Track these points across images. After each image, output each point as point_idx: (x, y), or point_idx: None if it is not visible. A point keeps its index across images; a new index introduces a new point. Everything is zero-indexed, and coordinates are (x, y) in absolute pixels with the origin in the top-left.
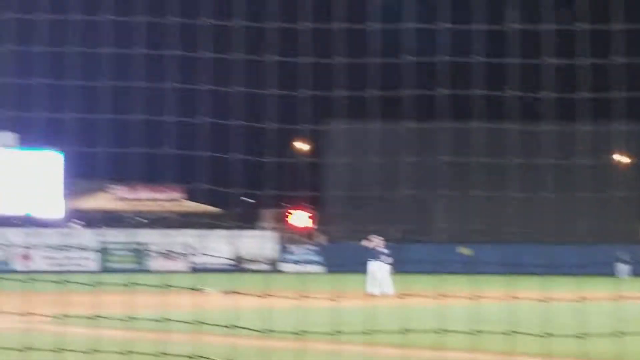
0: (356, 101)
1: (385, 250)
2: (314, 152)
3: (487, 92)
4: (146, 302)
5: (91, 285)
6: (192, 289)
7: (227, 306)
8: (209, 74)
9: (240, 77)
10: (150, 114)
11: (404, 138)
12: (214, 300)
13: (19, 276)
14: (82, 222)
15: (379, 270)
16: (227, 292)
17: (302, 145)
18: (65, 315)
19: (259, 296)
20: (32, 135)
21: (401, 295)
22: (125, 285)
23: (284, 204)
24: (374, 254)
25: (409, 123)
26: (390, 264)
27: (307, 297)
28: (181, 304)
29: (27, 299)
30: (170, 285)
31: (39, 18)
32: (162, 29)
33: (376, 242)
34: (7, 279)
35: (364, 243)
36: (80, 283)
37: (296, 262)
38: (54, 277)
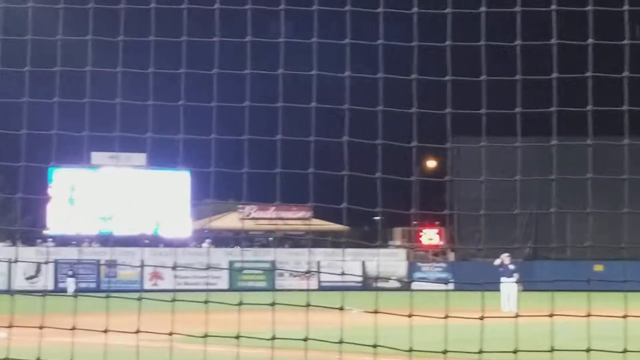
0: (489, 118)
1: (514, 267)
2: (443, 170)
3: (633, 108)
4: (284, 320)
5: (227, 303)
6: (332, 307)
7: (368, 324)
8: (341, 93)
9: (368, 94)
10: (282, 134)
11: (535, 155)
12: (355, 318)
13: (151, 295)
14: (212, 242)
15: (510, 288)
16: (368, 311)
17: (431, 163)
18: (206, 335)
19: (406, 315)
20: (160, 155)
21: (543, 313)
22: (259, 303)
23: (413, 222)
24: (506, 272)
25: (543, 139)
26: (519, 281)
27: (446, 314)
28: (322, 321)
29: (161, 317)
30: (310, 305)
31: (159, 38)
32: (296, 47)
33: (506, 259)
34: (139, 299)
35: (496, 261)
36: (217, 302)
37: (426, 279)
38: (186, 296)
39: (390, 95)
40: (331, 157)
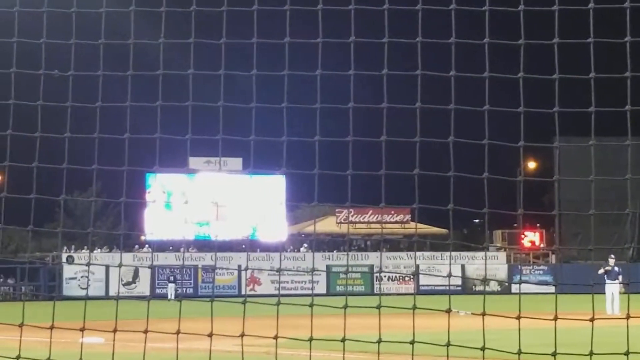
0: (594, 117)
1: (619, 270)
2: (545, 171)
3: None
4: (387, 323)
5: (332, 307)
6: (439, 310)
7: (474, 326)
8: (446, 94)
9: (473, 93)
10: (377, 136)
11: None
12: (461, 321)
13: (250, 299)
14: (309, 246)
15: (614, 290)
16: (475, 313)
17: (532, 164)
18: (311, 338)
19: (514, 317)
20: (256, 159)
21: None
22: (364, 306)
23: (514, 224)
24: (611, 274)
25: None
26: (623, 283)
27: (555, 316)
28: (427, 325)
29: (262, 322)
30: (417, 307)
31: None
32: (399, 46)
33: (611, 261)
34: (243, 302)
35: (599, 270)
36: (322, 305)
37: (527, 282)
38: (285, 301)
39: (494, 94)
40: (432, 158)
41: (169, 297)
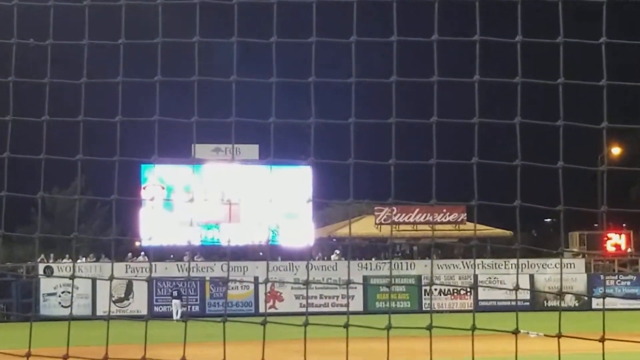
0: None
1: None
2: (632, 159)
3: None
4: (439, 348)
5: (372, 327)
6: (504, 330)
7: (548, 351)
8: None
9: (541, 69)
10: (425, 117)
11: None
12: (533, 344)
13: (270, 319)
14: (341, 252)
15: None
16: (549, 335)
17: (617, 150)
18: None
19: (597, 340)
20: (276, 146)
21: None
22: (410, 327)
23: (594, 225)
24: None
25: None
26: None
27: None
28: (488, 349)
29: (285, 347)
30: (477, 327)
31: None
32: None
33: None
34: (262, 323)
35: None
36: (358, 326)
37: (612, 296)
38: (313, 320)
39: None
40: (495, 144)
41: (174, 316)
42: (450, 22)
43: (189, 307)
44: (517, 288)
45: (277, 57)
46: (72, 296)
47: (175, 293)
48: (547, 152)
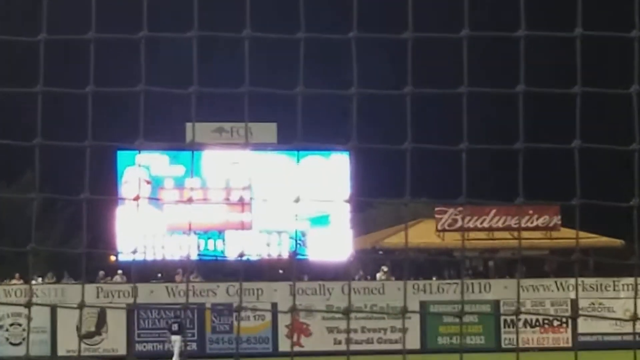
0: None
1: None
2: None
3: None
4: None
5: None
6: None
7: None
8: None
9: None
10: (508, 85)
11: None
12: None
13: None
14: (390, 269)
15: None
16: None
17: None
18: None
19: None
20: (296, 126)
21: None
22: None
23: None
24: None
25: None
26: None
27: None
28: None
29: None
30: None
31: None
32: None
33: None
34: None
35: None
36: None
37: None
38: None
39: None
40: (601, 122)
41: (175, 358)
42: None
43: (183, 344)
44: (634, 318)
45: (306, 9)
46: (26, 331)
47: (174, 327)
48: None
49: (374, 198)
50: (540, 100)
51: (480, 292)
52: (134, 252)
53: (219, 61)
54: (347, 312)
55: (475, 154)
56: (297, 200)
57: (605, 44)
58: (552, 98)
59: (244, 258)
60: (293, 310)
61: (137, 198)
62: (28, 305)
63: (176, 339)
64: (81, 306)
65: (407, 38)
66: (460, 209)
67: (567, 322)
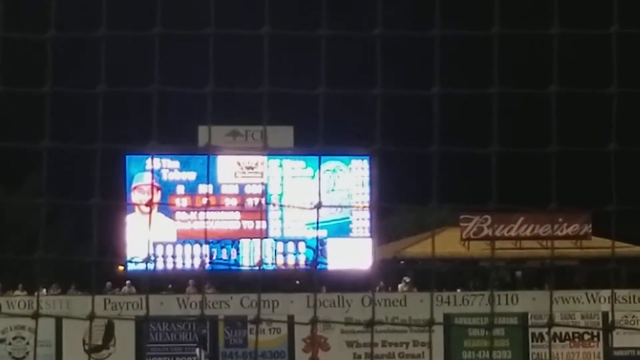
0: None
1: None
2: None
3: None
4: None
5: None
6: None
7: None
8: None
9: None
10: (537, 85)
11: None
12: None
13: None
14: (413, 280)
15: None
16: None
17: None
18: None
19: None
20: (313, 130)
21: None
22: None
23: None
24: None
25: None
26: None
27: None
28: None
29: None
30: None
31: None
32: None
33: None
34: None
35: None
36: None
37: None
38: None
39: None
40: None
41: None
42: None
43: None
44: None
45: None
46: (33, 344)
47: (198, 338)
48: None
49: (396, 204)
50: (572, 101)
51: (507, 304)
52: (144, 261)
53: (232, 61)
54: (371, 324)
55: (505, 158)
56: (317, 207)
57: None
58: (585, 100)
59: (261, 267)
60: (314, 322)
61: (150, 203)
62: (35, 316)
63: (199, 353)
64: (91, 317)
65: (434, 36)
66: (486, 216)
67: (598, 336)
